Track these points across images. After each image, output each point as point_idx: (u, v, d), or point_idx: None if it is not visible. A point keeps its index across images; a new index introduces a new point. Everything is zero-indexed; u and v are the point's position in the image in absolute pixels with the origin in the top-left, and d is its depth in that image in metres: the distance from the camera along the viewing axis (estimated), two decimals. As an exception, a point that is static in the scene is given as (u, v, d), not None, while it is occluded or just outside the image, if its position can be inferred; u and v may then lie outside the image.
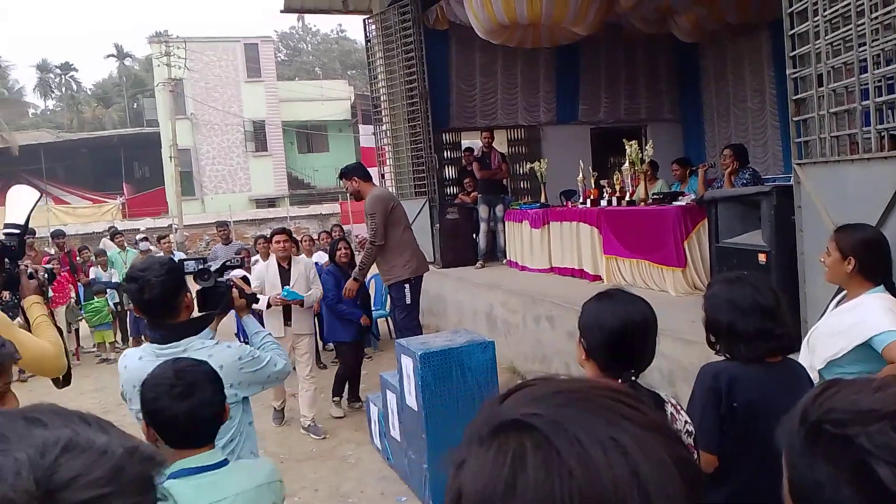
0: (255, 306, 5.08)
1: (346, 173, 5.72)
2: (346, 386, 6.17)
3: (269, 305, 5.45)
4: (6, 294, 2.41)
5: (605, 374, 1.78)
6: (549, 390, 0.58)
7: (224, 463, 1.77)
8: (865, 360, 2.48)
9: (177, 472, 1.69)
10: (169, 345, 2.21)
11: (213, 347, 2.25)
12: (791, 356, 2.26)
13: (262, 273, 5.56)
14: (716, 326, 2.16)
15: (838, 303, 2.76)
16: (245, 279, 2.67)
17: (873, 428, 0.66)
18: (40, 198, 2.48)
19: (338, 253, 6.36)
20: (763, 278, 2.28)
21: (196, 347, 2.21)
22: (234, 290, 2.53)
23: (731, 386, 2.06)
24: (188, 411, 1.70)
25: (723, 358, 2.19)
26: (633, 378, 1.78)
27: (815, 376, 2.62)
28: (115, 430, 0.65)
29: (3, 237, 2.31)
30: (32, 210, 2.37)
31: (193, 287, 2.48)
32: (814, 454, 0.70)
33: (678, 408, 1.86)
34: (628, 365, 1.79)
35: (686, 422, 1.84)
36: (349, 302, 5.94)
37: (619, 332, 1.77)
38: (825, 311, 2.90)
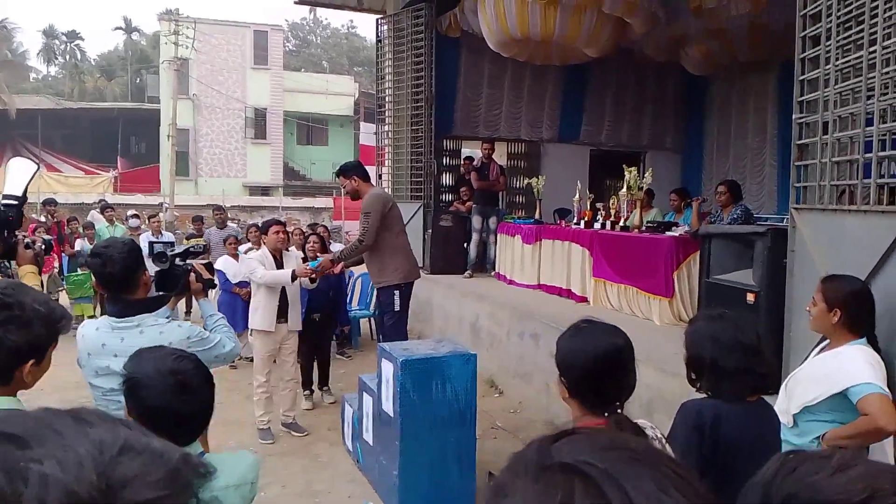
0: (271, 280, 5.10)
1: (345, 171, 5.60)
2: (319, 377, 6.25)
3: (294, 278, 5.34)
4: (3, 262, 2.50)
5: (589, 411, 1.75)
6: (608, 444, 0.58)
7: (202, 456, 1.75)
8: (840, 410, 2.50)
9: None
10: (124, 319, 2.37)
11: (165, 325, 2.41)
12: (765, 396, 2.27)
13: (263, 259, 5.49)
14: (698, 363, 2.15)
15: (820, 350, 2.78)
16: (209, 266, 2.86)
17: None
18: (37, 170, 2.55)
19: (307, 246, 6.36)
20: (745, 316, 2.30)
21: (149, 323, 2.38)
22: (192, 274, 2.70)
23: (715, 424, 2.06)
24: (177, 409, 1.69)
25: (703, 395, 2.18)
26: (619, 410, 1.76)
27: (788, 420, 2.64)
28: (152, 435, 0.64)
29: (2, 208, 2.37)
30: (30, 182, 2.45)
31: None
32: None
33: (663, 441, 1.85)
34: (612, 398, 1.76)
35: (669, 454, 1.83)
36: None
37: (596, 369, 1.73)
38: (807, 357, 2.91)
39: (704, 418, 2.06)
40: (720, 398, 2.10)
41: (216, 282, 2.94)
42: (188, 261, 2.76)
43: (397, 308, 5.53)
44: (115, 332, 2.38)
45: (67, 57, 50.34)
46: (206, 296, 2.80)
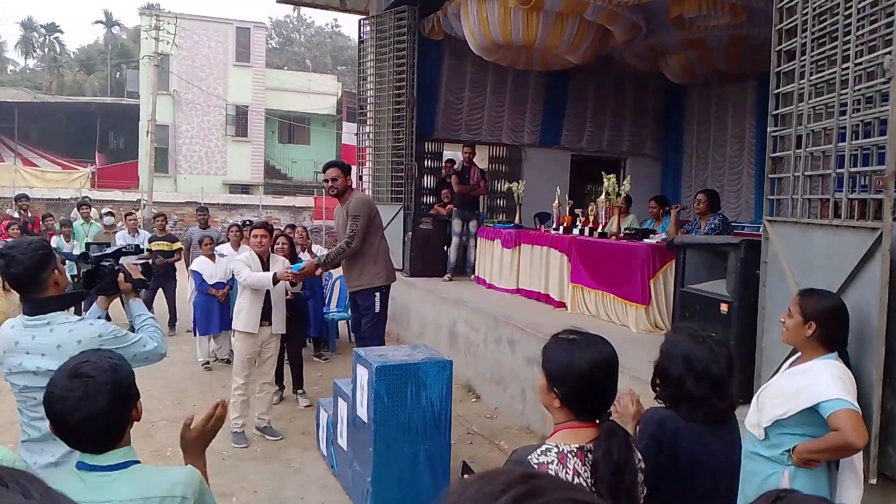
0: (253, 282, 5.05)
1: (343, 167, 5.56)
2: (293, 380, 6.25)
3: (275, 282, 5.26)
4: None
5: (579, 420, 1.78)
6: None
7: (124, 465, 1.69)
8: (810, 424, 2.52)
9: (77, 462, 1.69)
10: (35, 317, 2.40)
11: (75, 323, 2.43)
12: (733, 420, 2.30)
13: (249, 260, 5.41)
14: (665, 376, 2.21)
15: (791, 364, 2.80)
16: (146, 266, 2.92)
17: None
18: None
19: (275, 245, 6.16)
20: (724, 344, 2.31)
21: (59, 321, 2.41)
22: (122, 274, 2.73)
23: (675, 437, 2.11)
24: (80, 421, 1.64)
25: (664, 405, 2.24)
26: (610, 418, 1.80)
27: (760, 433, 2.66)
28: (36, 490, 0.59)
29: None
30: None
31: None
32: None
33: (638, 454, 1.88)
34: (601, 406, 1.80)
35: (639, 460, 1.87)
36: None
37: (589, 378, 1.77)
38: (778, 369, 2.94)
39: (665, 430, 2.13)
40: (678, 413, 2.16)
41: (148, 283, 2.93)
42: (120, 261, 2.78)
43: (377, 310, 5.52)
44: (27, 330, 2.39)
45: (46, 50, 49.60)
46: (137, 296, 2.80)
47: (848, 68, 3.08)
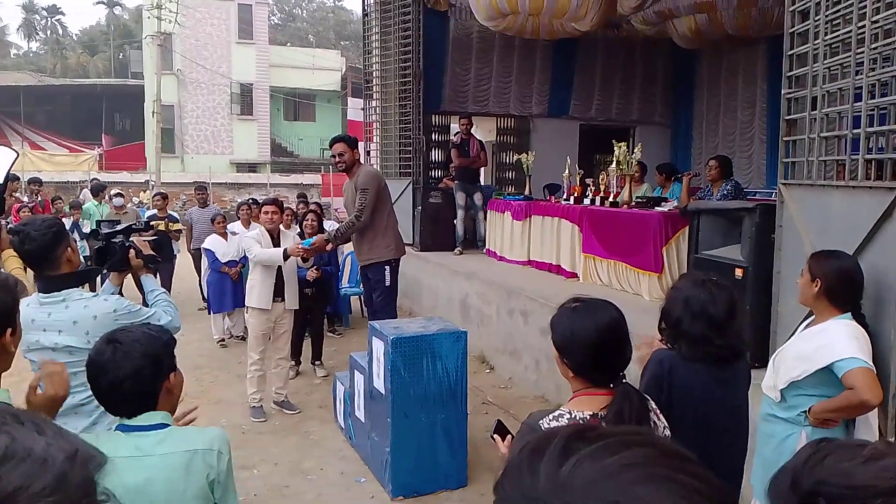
0: (264, 258, 5.09)
1: (352, 142, 5.53)
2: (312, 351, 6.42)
3: (286, 257, 5.30)
4: None
5: (594, 387, 1.80)
6: (619, 462, 0.55)
7: (161, 426, 1.78)
8: (826, 385, 2.54)
9: (117, 425, 1.79)
10: (50, 294, 2.44)
11: (90, 299, 2.49)
12: (738, 364, 2.36)
13: (259, 237, 5.44)
14: (667, 317, 2.31)
15: (807, 326, 2.81)
16: (156, 242, 2.95)
17: None
18: (16, 158, 2.59)
19: (304, 224, 6.50)
20: (728, 287, 2.34)
21: (74, 297, 2.45)
22: (132, 250, 2.77)
23: (670, 373, 2.22)
24: (108, 384, 1.74)
25: (668, 346, 2.33)
26: (624, 380, 1.80)
27: (777, 396, 2.67)
28: (50, 428, 0.62)
29: None
30: (10, 169, 2.49)
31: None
32: None
33: (658, 414, 1.90)
34: (613, 370, 1.81)
35: (665, 427, 1.89)
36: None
37: (596, 344, 1.78)
38: (794, 332, 2.94)
39: (663, 368, 2.24)
40: (678, 354, 2.26)
41: (160, 257, 2.99)
42: (131, 237, 2.82)
43: (388, 283, 5.55)
44: (43, 308, 2.44)
45: (49, 32, 49.41)
46: (149, 271, 2.85)
47: (864, 27, 3.03)
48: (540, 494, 0.55)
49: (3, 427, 0.59)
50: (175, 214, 9.77)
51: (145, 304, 2.77)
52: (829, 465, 0.72)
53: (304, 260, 5.77)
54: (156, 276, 2.97)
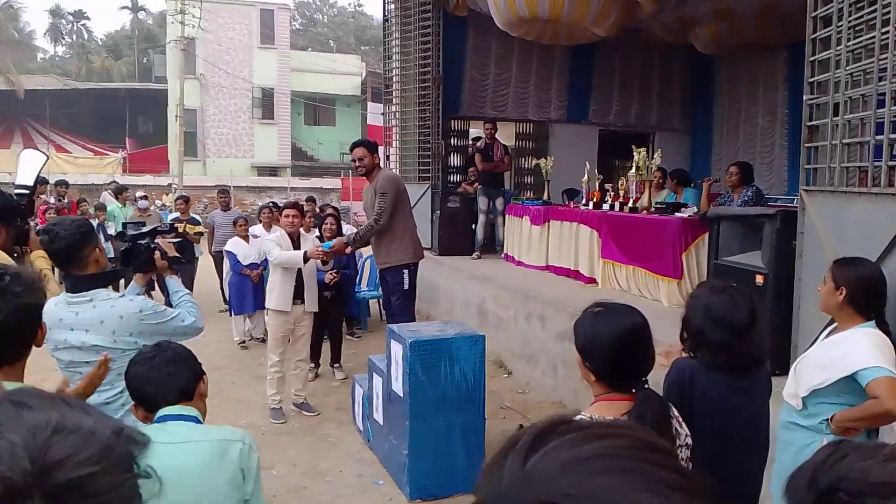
0: (284, 261, 5.18)
1: (370, 146, 5.57)
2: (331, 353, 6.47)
3: (306, 260, 5.35)
4: (17, 248, 2.60)
5: (616, 391, 1.80)
6: (580, 454, 0.54)
7: (196, 419, 1.90)
8: (848, 393, 2.51)
9: (157, 418, 1.90)
10: (78, 294, 2.49)
11: (117, 300, 2.54)
12: (759, 372, 2.35)
13: (280, 240, 5.50)
14: (688, 326, 2.30)
15: (829, 333, 2.78)
16: (181, 244, 3.00)
17: (890, 502, 0.66)
18: (46, 161, 2.67)
19: (324, 227, 6.56)
20: (748, 294, 2.33)
21: (101, 298, 2.50)
22: (157, 252, 2.82)
23: (691, 382, 2.20)
24: (154, 387, 1.90)
25: (689, 355, 2.32)
26: (646, 385, 1.81)
27: (798, 404, 2.65)
28: (96, 412, 0.68)
29: (15, 197, 2.47)
30: (40, 172, 2.56)
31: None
32: None
33: (680, 422, 1.90)
34: (634, 375, 1.81)
35: (686, 435, 1.89)
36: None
37: (616, 349, 1.78)
38: (815, 340, 2.92)
39: (683, 375, 2.22)
40: (700, 363, 2.24)
41: (184, 259, 3.04)
42: (156, 239, 2.87)
43: (406, 287, 5.57)
44: (70, 307, 2.48)
45: (74, 37, 50.19)
46: (174, 273, 2.90)
47: (888, 32, 3.02)
48: (505, 490, 0.54)
49: (54, 406, 0.64)
50: (197, 217, 9.89)
51: (169, 304, 2.82)
52: (849, 463, 0.72)
53: (324, 263, 5.83)
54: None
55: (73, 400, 0.68)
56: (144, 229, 2.95)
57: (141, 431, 0.70)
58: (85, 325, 2.47)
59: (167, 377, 1.89)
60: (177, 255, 2.93)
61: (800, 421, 2.65)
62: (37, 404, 0.64)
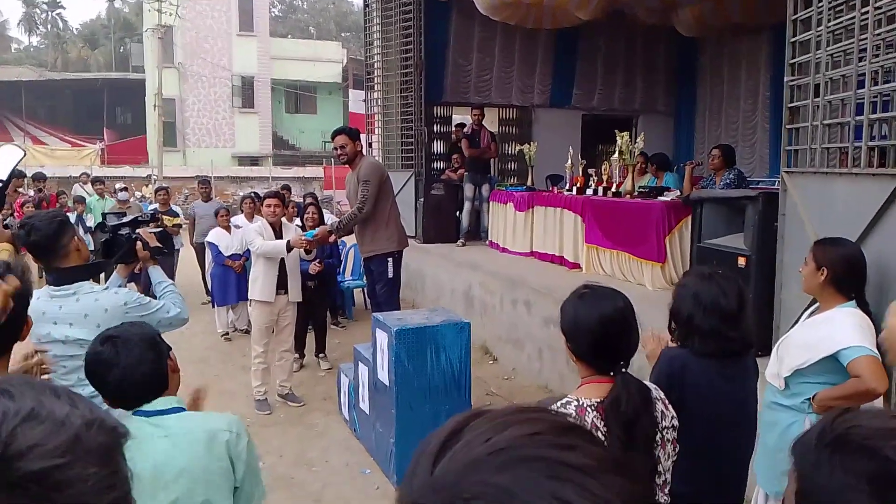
0: (267, 250, 5.11)
1: (351, 133, 5.52)
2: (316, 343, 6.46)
3: (289, 249, 5.30)
4: None
5: (596, 372, 1.82)
6: (484, 450, 0.52)
7: (178, 409, 1.84)
8: (830, 373, 2.54)
9: (133, 410, 1.83)
10: (61, 287, 2.47)
11: (101, 293, 2.51)
12: (748, 357, 2.36)
13: (261, 230, 5.45)
14: (677, 316, 2.29)
15: (811, 314, 2.81)
16: (162, 234, 2.97)
17: None
18: (23, 157, 2.64)
19: (305, 216, 6.54)
20: (735, 280, 2.33)
21: (85, 291, 2.48)
22: (139, 242, 2.79)
23: (682, 372, 2.19)
24: (119, 376, 1.78)
25: (678, 345, 2.31)
26: (624, 370, 1.82)
27: (780, 384, 2.67)
28: (83, 403, 0.65)
29: None
30: (16, 167, 2.54)
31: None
32: (833, 464, 0.72)
33: (666, 404, 1.90)
34: (615, 358, 1.82)
35: (673, 416, 1.89)
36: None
37: (598, 332, 1.80)
38: (797, 320, 2.94)
39: (674, 366, 2.21)
40: (690, 351, 2.23)
41: (165, 249, 3.00)
42: (137, 230, 2.83)
43: (391, 275, 5.55)
44: (53, 301, 2.46)
45: (49, 26, 49.35)
46: (155, 263, 2.87)
47: (867, 13, 3.01)
48: (414, 498, 0.52)
49: (36, 395, 0.62)
50: (176, 209, 9.77)
51: (152, 295, 2.79)
52: (859, 416, 0.75)
53: (308, 252, 5.79)
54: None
55: (63, 390, 0.66)
56: (125, 219, 2.90)
57: (120, 422, 0.67)
58: (69, 319, 2.44)
59: (136, 373, 1.79)
60: (159, 245, 2.89)
61: (782, 401, 2.67)
62: (19, 392, 0.62)
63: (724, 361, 2.21)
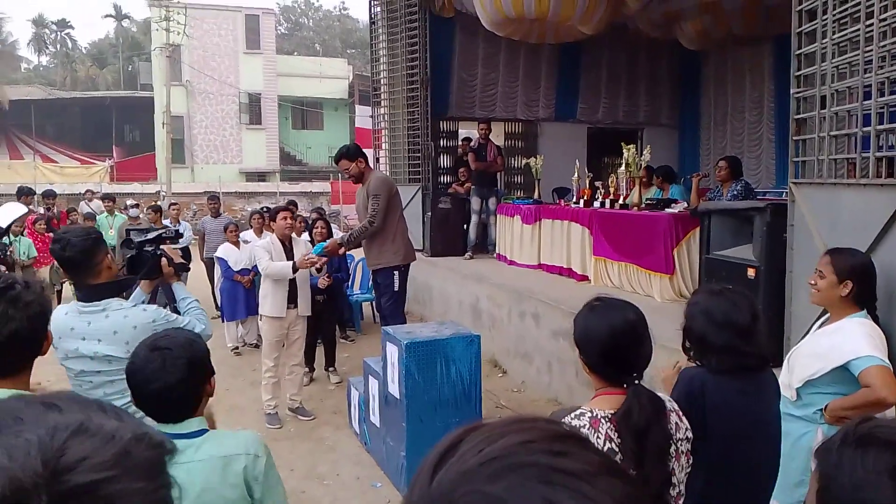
0: (273, 273, 5.14)
1: (350, 155, 5.54)
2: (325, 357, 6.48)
3: (295, 270, 5.33)
4: None
5: (609, 384, 1.82)
6: (477, 461, 0.52)
7: (200, 433, 1.82)
8: (842, 383, 2.53)
9: None
10: (90, 304, 2.48)
11: (130, 309, 2.53)
12: (765, 373, 2.31)
13: (269, 246, 5.48)
14: (690, 334, 2.24)
15: (821, 324, 2.80)
16: (185, 251, 2.98)
17: None
18: (26, 214, 2.75)
19: (314, 231, 6.56)
20: (746, 294, 2.31)
21: (114, 307, 2.49)
22: (164, 259, 2.82)
23: (702, 391, 2.14)
24: (157, 391, 1.76)
25: (696, 364, 2.26)
26: (637, 381, 1.81)
27: (792, 395, 2.67)
28: (129, 418, 0.66)
29: None
30: (15, 220, 2.65)
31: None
32: (854, 462, 0.74)
33: (681, 416, 1.90)
34: (627, 370, 1.82)
35: (687, 429, 1.89)
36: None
37: (609, 343, 1.80)
38: (808, 331, 2.94)
39: (694, 386, 2.15)
40: (708, 369, 2.18)
41: (189, 266, 3.03)
42: (161, 246, 2.86)
43: (396, 288, 5.57)
44: (82, 317, 2.47)
45: (58, 46, 49.92)
46: (179, 279, 2.90)
47: (871, 25, 3.04)
48: None
49: (84, 410, 0.63)
50: (184, 225, 9.76)
51: (175, 310, 2.81)
52: (881, 420, 0.78)
53: (318, 270, 5.82)
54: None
55: (109, 405, 0.67)
56: (150, 235, 2.92)
57: (167, 438, 0.68)
58: (97, 335, 2.46)
59: (176, 391, 1.77)
60: (182, 261, 2.91)
61: (794, 412, 2.67)
62: (67, 407, 0.63)
63: (741, 377, 2.16)
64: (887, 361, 2.45)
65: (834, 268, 2.64)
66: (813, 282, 2.74)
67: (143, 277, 2.81)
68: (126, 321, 2.47)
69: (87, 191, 15.13)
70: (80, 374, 2.49)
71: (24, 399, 0.64)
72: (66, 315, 2.49)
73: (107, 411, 0.65)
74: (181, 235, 3.15)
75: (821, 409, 2.58)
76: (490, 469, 0.51)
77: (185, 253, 2.99)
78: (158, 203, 11.33)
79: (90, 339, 2.46)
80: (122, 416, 0.65)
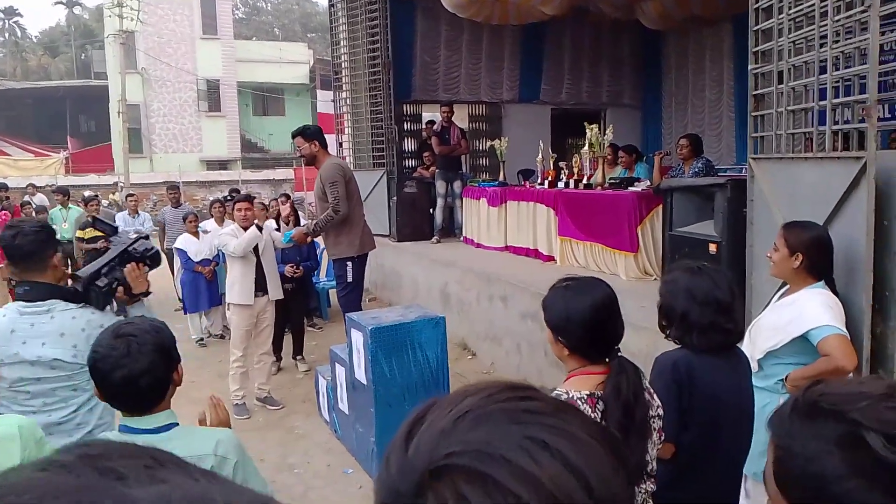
0: (244, 244, 5.07)
1: (306, 133, 5.42)
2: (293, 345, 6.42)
3: (260, 228, 5.27)
4: None
5: (591, 363, 1.81)
6: (450, 419, 0.55)
7: (167, 427, 1.76)
8: (802, 353, 2.58)
9: (120, 426, 1.76)
10: (34, 303, 2.30)
11: (78, 310, 2.36)
12: (737, 349, 2.33)
13: (235, 233, 5.34)
14: (670, 313, 2.21)
15: (781, 296, 2.85)
16: (154, 255, 2.62)
17: (864, 404, 0.74)
18: None
19: (281, 217, 6.55)
20: (723, 272, 2.33)
21: (60, 308, 2.32)
22: (121, 287, 2.47)
23: (690, 375, 2.12)
24: (123, 379, 1.69)
25: (673, 344, 2.24)
26: (619, 353, 1.82)
27: (754, 366, 2.71)
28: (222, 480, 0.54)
29: None
30: None
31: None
32: (805, 432, 0.76)
33: (651, 393, 1.90)
34: (610, 345, 1.82)
35: (658, 406, 1.89)
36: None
37: (592, 320, 1.80)
38: (768, 303, 2.99)
39: (680, 371, 2.12)
40: (688, 349, 2.16)
41: (150, 291, 2.61)
42: (126, 265, 2.49)
43: (350, 279, 5.50)
44: (24, 318, 2.29)
45: (7, 35, 48.24)
46: (139, 300, 2.56)
47: (826, 0, 3.07)
48: (394, 481, 0.54)
49: (190, 476, 0.53)
50: (143, 216, 9.47)
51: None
52: (828, 385, 0.80)
53: (299, 245, 5.77)
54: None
55: (215, 476, 0.53)
56: (109, 257, 2.49)
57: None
58: (42, 338, 2.27)
59: (143, 379, 1.69)
60: (147, 290, 2.55)
61: (756, 382, 2.70)
62: (175, 470, 0.52)
63: (721, 355, 2.17)
64: (845, 330, 2.50)
65: (786, 241, 2.69)
66: (769, 255, 2.79)
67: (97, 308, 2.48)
68: (74, 322, 2.31)
69: (30, 185, 14.68)
70: (17, 382, 2.27)
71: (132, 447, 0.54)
72: (5, 317, 2.30)
73: (215, 479, 0.53)
74: (147, 237, 2.67)
75: (782, 380, 2.63)
76: (465, 422, 0.54)
77: (154, 261, 2.64)
78: (65, 186, 10.76)
79: (32, 341, 2.26)
80: (218, 478, 0.54)
